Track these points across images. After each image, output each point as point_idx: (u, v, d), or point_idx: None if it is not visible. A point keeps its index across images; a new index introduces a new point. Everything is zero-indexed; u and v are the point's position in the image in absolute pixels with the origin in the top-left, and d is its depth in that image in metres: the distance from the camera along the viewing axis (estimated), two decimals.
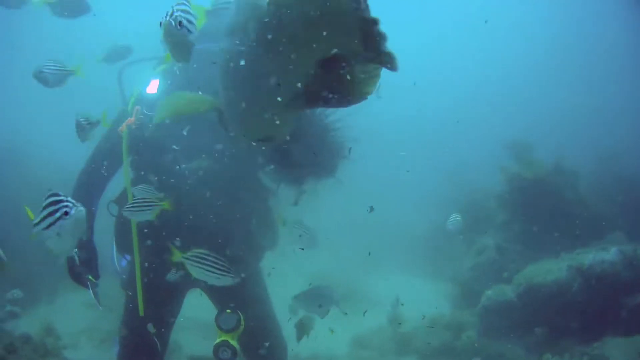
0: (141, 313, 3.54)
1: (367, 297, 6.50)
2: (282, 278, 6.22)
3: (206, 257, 2.94)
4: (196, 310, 4.74)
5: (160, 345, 3.90)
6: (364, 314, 5.45)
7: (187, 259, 2.91)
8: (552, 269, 4.95)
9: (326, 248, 8.33)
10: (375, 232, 8.91)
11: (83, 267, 3.48)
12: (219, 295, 3.84)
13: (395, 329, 5.22)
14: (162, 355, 3.94)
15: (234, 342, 3.44)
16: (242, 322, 3.51)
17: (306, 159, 3.12)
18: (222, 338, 3.45)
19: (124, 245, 3.73)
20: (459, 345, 4.90)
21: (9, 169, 8.20)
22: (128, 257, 4.69)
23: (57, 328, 5.25)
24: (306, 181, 3.34)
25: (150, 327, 3.61)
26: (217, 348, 3.42)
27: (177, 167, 3.41)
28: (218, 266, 2.94)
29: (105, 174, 3.72)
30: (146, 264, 3.60)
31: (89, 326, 5.86)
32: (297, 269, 7.66)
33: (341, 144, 3.24)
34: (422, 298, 6.32)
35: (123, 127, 3.48)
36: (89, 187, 3.68)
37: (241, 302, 3.64)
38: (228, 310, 3.47)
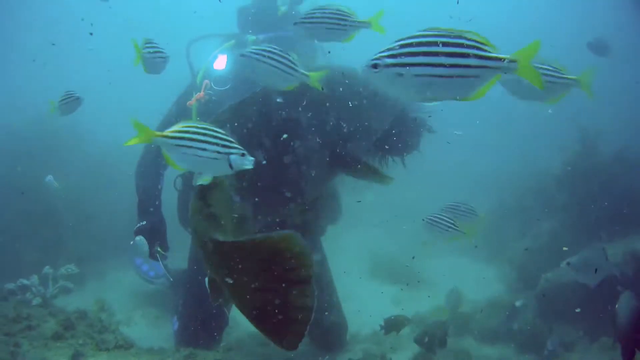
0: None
1: (424, 278, 6.56)
2: (342, 253, 6.36)
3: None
4: None
5: (220, 322, 4.09)
6: (428, 297, 5.52)
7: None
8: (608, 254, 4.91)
9: (384, 228, 8.49)
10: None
11: (152, 239, 3.62)
12: None
13: (454, 311, 5.29)
14: (221, 332, 4.12)
15: None
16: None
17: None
18: None
19: (186, 221, 3.76)
20: (515, 326, 4.95)
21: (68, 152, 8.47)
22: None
23: (110, 304, 5.35)
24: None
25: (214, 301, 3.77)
26: None
27: None
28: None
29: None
30: None
31: (141, 302, 5.97)
32: (356, 245, 7.79)
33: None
34: (478, 280, 6.34)
35: (193, 101, 3.61)
36: (155, 159, 3.80)
37: None
38: None
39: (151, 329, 5.32)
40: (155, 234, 3.65)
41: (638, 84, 10.26)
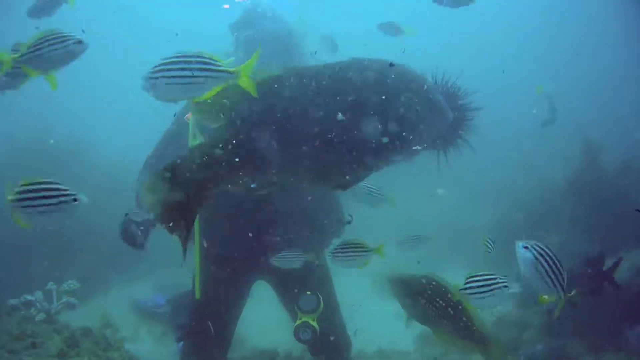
0: (197, 296, 3.55)
1: None
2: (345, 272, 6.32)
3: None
4: (260, 304, 4.87)
5: (225, 340, 4.05)
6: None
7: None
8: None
9: (392, 242, 8.43)
10: (441, 227, 8.91)
11: (138, 229, 3.50)
12: (284, 285, 3.94)
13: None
14: (227, 349, 4.08)
15: (314, 323, 3.57)
16: (322, 303, 3.64)
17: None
18: (303, 319, 3.59)
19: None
20: (522, 341, 4.90)
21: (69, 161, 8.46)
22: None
23: (115, 320, 5.30)
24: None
25: (212, 323, 3.71)
26: (297, 329, 3.55)
27: None
28: None
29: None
30: (214, 255, 3.61)
31: (147, 318, 5.97)
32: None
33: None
34: None
35: (190, 115, 3.57)
36: (164, 155, 3.70)
37: (295, 293, 3.69)
38: (308, 292, 3.62)
39: (157, 346, 5.36)
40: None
41: None
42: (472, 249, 8.18)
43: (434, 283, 2.53)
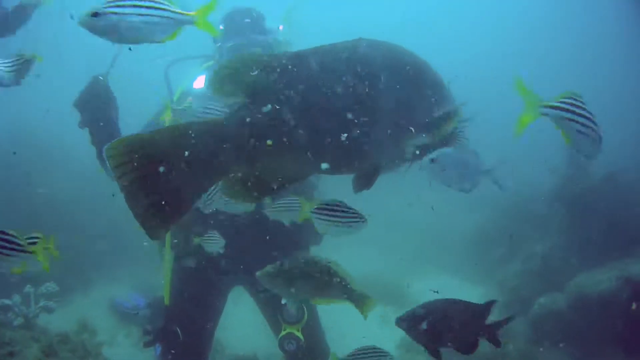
0: (166, 302, 3.54)
1: (413, 299, 6.49)
2: None
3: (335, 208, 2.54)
4: (239, 309, 4.81)
5: (203, 344, 3.99)
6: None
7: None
8: (602, 279, 4.90)
9: (375, 245, 8.43)
10: (423, 231, 8.92)
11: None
12: (265, 294, 3.87)
13: None
14: (206, 356, 4.03)
15: (299, 334, 3.52)
16: (306, 313, 3.58)
17: None
18: (288, 330, 3.53)
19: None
20: (508, 352, 4.89)
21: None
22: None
23: (93, 322, 5.24)
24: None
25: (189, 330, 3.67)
26: (282, 340, 3.49)
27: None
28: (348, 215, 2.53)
29: None
30: (191, 264, 3.57)
31: (125, 320, 5.88)
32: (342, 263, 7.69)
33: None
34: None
35: (165, 117, 3.42)
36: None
37: (279, 303, 3.57)
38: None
39: (135, 351, 5.24)
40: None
41: None
42: (453, 254, 8.25)
43: (302, 261, 2.62)
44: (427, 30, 18.97)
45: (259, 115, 1.84)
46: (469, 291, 6.87)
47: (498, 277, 6.88)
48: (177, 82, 3.96)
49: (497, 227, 8.26)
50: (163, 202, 1.78)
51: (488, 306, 2.53)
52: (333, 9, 18.55)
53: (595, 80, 15.98)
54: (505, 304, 6.26)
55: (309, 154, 1.92)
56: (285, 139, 1.86)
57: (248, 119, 1.84)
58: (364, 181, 2.12)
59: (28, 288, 5.08)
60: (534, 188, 7.98)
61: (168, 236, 3.42)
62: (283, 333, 3.53)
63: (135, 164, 1.73)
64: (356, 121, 1.93)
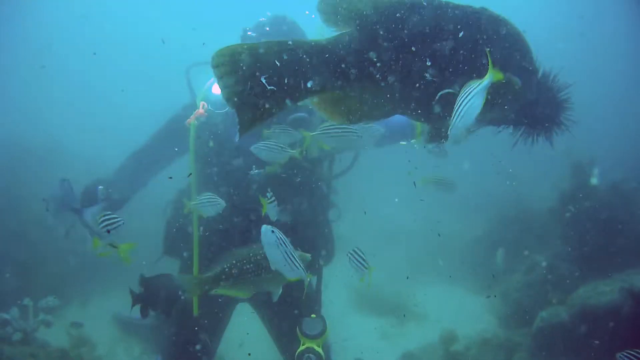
0: (195, 312, 3.40)
1: (413, 309, 6.46)
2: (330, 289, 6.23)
3: None
4: (241, 325, 4.75)
5: (208, 357, 3.91)
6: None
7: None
8: (604, 291, 4.86)
9: (373, 256, 8.36)
10: (424, 240, 8.87)
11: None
12: (271, 308, 3.77)
13: (447, 347, 5.13)
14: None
15: (319, 349, 3.26)
16: (327, 327, 3.32)
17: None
18: (307, 345, 3.28)
19: (172, 250, 3.66)
20: None
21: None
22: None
23: (92, 336, 5.18)
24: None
25: (202, 340, 3.58)
26: (301, 355, 3.23)
27: (248, 172, 3.34)
28: None
29: (155, 164, 3.79)
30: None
31: (124, 333, 5.79)
32: (344, 278, 7.65)
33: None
34: (471, 314, 6.23)
35: (192, 119, 3.48)
36: (135, 172, 3.74)
37: (295, 315, 3.45)
38: (312, 315, 3.34)
39: None
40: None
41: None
42: (455, 264, 8.19)
43: (235, 257, 2.66)
44: None
45: (363, 46, 1.93)
46: (473, 302, 6.83)
47: (500, 288, 6.82)
48: (199, 85, 3.94)
49: (500, 237, 8.21)
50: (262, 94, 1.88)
51: None
52: None
53: (599, 86, 15.97)
54: (509, 315, 6.23)
55: (397, 94, 1.98)
56: (378, 75, 1.94)
57: (353, 46, 1.92)
58: (437, 134, 2.15)
59: (27, 301, 5.05)
60: (536, 199, 7.96)
61: (196, 243, 3.37)
62: (302, 348, 3.31)
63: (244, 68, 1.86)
64: (450, 71, 1.95)
